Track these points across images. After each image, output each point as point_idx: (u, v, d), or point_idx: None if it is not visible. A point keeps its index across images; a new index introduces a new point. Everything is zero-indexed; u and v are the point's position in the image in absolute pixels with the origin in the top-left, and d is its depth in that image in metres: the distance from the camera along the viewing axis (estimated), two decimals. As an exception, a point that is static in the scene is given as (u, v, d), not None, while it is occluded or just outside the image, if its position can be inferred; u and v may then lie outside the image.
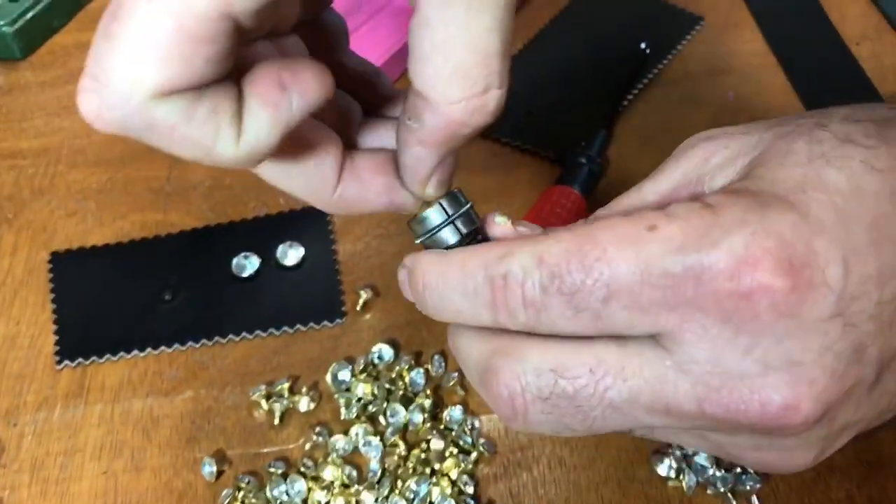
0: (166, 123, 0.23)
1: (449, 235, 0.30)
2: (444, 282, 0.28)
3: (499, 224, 0.30)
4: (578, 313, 0.26)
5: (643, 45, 0.59)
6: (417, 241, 0.31)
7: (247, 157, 0.25)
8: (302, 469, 0.41)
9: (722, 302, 0.25)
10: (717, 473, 0.40)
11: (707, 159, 0.29)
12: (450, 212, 0.30)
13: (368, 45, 0.57)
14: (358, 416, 0.43)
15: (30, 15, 0.61)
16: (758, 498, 0.40)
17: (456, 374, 0.44)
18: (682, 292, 0.25)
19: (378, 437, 0.42)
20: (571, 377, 0.27)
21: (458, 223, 0.30)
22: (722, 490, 0.40)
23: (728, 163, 0.29)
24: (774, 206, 0.25)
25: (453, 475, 0.41)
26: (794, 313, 0.25)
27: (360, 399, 0.43)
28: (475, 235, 0.30)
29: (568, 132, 0.54)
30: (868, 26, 0.61)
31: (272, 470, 0.41)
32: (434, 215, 0.30)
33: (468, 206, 0.30)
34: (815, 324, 0.25)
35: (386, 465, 0.41)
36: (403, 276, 0.30)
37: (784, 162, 0.27)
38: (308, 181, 0.29)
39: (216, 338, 0.46)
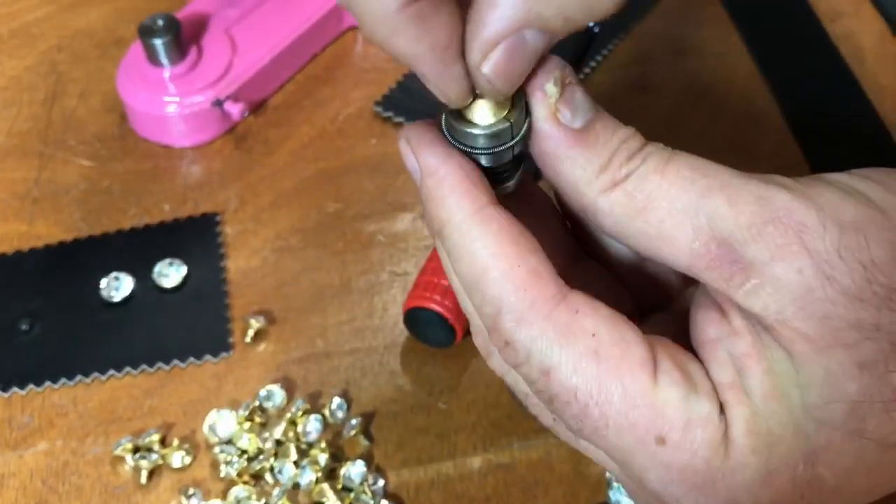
0: None
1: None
2: (458, 258, 0.24)
3: (548, 95, 0.24)
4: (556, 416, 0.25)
5: (591, 23, 0.51)
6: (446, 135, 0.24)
7: None
8: (169, 542, 0.34)
9: None
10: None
11: (775, 259, 0.23)
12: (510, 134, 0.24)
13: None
14: (240, 474, 0.36)
15: None
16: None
17: (358, 420, 0.37)
18: (646, 499, 0.25)
19: (262, 501, 0.35)
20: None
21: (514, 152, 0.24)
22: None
23: (784, 293, 0.23)
24: (775, 483, 0.23)
25: (351, 546, 0.34)
26: None
27: (243, 453, 0.37)
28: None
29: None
30: (844, 1, 0.54)
31: (133, 544, 0.34)
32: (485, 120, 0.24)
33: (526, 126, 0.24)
34: None
35: (270, 536, 0.35)
36: (405, 148, 0.25)
37: (817, 411, 0.23)
38: None
39: (79, 376, 0.39)
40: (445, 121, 0.24)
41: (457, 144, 0.24)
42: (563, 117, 0.24)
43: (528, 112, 0.24)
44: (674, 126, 0.49)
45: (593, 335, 0.23)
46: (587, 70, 0.51)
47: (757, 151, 0.48)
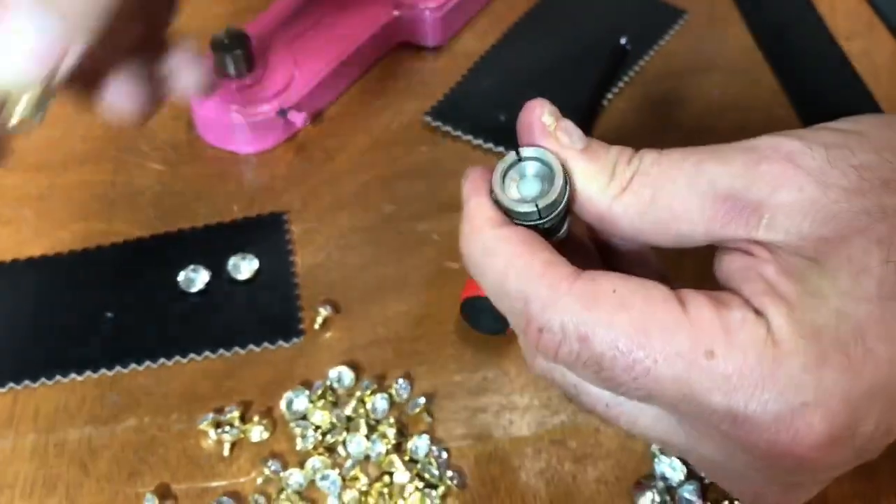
0: None
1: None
2: (482, 271, 0.27)
3: (545, 124, 0.28)
4: (609, 387, 0.26)
5: (623, 41, 0.55)
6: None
7: None
8: (253, 506, 0.38)
9: (753, 447, 0.25)
10: (703, 509, 0.37)
11: (776, 188, 0.26)
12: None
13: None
14: (315, 447, 0.39)
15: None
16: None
17: (422, 399, 0.41)
18: (717, 425, 0.25)
19: (336, 471, 0.39)
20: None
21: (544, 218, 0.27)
22: (708, 526, 0.37)
23: (794, 212, 0.25)
24: (832, 362, 0.24)
25: (418, 512, 0.38)
26: (818, 468, 0.25)
27: (317, 428, 0.40)
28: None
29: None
30: (859, 22, 0.58)
31: (220, 508, 0.38)
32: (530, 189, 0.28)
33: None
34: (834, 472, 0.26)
35: (345, 501, 0.38)
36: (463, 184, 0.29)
37: (851, 290, 0.24)
38: None
39: (161, 360, 0.43)
40: (493, 190, 0.28)
41: (508, 214, 0.28)
42: (564, 141, 0.28)
43: (565, 185, 0.27)
44: (702, 138, 0.51)
45: (614, 291, 0.25)
46: (620, 84, 0.54)
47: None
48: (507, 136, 0.51)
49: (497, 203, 0.28)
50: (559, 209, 0.27)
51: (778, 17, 0.59)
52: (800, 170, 0.25)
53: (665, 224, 0.27)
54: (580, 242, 0.31)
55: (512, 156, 0.28)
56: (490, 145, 0.51)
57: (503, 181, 0.28)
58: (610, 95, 0.54)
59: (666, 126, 0.53)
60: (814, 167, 0.25)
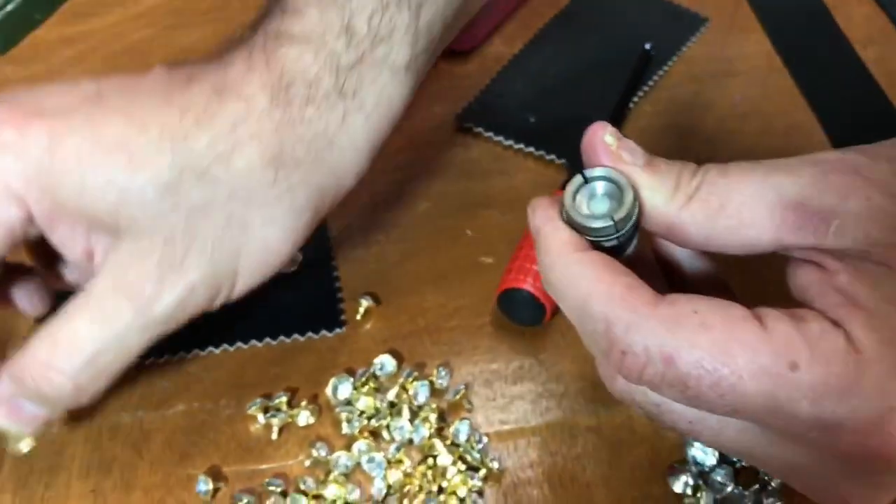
0: None
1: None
2: (564, 295, 0.28)
3: (608, 144, 0.29)
4: (694, 405, 0.27)
5: (648, 46, 0.57)
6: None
7: None
8: (302, 487, 0.39)
9: (844, 453, 0.26)
10: (736, 491, 0.39)
11: (845, 197, 0.27)
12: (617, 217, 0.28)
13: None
14: (360, 431, 0.41)
15: (10, 8, 0.58)
16: (779, 517, 0.38)
17: (462, 386, 0.42)
18: (806, 433, 0.26)
19: (381, 453, 0.40)
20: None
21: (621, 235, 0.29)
22: (741, 508, 0.38)
23: (863, 220, 0.27)
24: None
25: (461, 493, 0.39)
26: None
27: (361, 413, 0.41)
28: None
29: (572, 134, 0.52)
30: (874, 30, 0.60)
31: (271, 488, 0.39)
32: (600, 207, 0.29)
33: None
34: None
35: (391, 482, 0.39)
36: (530, 213, 0.31)
37: None
38: None
39: (209, 348, 0.44)
40: (566, 212, 0.29)
41: (582, 232, 0.29)
42: (628, 159, 0.29)
43: (635, 198, 0.29)
44: (725, 140, 0.54)
45: (695, 312, 0.26)
46: (646, 88, 0.56)
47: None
48: (537, 137, 0.53)
49: (571, 224, 0.29)
50: (633, 221, 0.29)
51: (795, 25, 0.60)
52: (867, 180, 0.27)
53: (734, 230, 0.28)
54: (647, 264, 0.33)
55: (578, 179, 0.29)
56: (521, 146, 0.53)
57: (573, 203, 0.29)
58: (636, 98, 0.55)
59: (690, 129, 0.55)
60: (880, 179, 0.27)
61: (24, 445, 0.38)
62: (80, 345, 0.34)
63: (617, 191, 0.29)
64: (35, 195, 0.34)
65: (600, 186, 0.29)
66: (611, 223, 0.28)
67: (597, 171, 0.29)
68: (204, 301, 0.36)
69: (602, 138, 0.29)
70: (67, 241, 0.36)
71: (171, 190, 0.34)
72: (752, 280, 0.34)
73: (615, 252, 0.29)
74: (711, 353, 0.25)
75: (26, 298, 0.40)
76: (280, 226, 0.36)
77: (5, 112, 0.34)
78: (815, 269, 0.28)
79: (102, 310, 0.34)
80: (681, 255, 0.33)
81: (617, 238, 0.29)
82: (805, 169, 0.27)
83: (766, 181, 0.27)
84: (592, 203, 0.29)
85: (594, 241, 0.29)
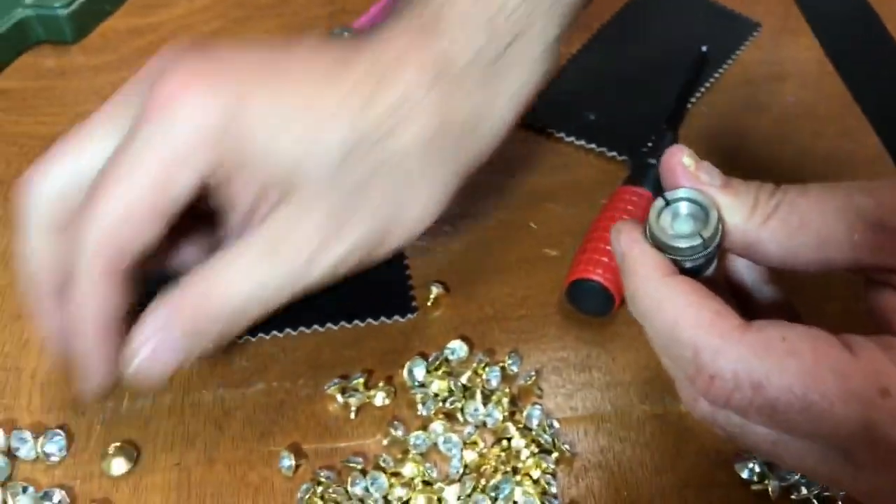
0: None
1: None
2: (651, 318, 0.29)
3: (686, 166, 0.30)
4: (781, 429, 0.27)
5: (703, 49, 0.59)
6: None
7: None
8: (381, 464, 0.40)
9: None
10: (803, 479, 0.40)
11: None
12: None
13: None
14: (435, 413, 0.42)
15: (81, -1, 0.60)
16: (844, 504, 0.40)
17: (533, 373, 0.44)
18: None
19: (457, 435, 0.41)
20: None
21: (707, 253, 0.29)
22: (807, 495, 0.40)
23: None
24: None
25: (534, 475, 0.40)
26: None
27: (436, 395, 0.43)
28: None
29: (632, 133, 0.54)
30: (924, 36, 0.61)
31: (351, 465, 0.40)
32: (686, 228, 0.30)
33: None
34: None
35: (467, 462, 0.41)
36: (614, 236, 0.31)
37: None
38: None
39: (287, 329, 0.46)
40: (651, 234, 0.30)
41: (667, 252, 0.30)
42: (706, 180, 0.30)
43: (719, 216, 0.29)
44: (781, 142, 0.55)
45: (783, 339, 0.26)
46: (702, 90, 0.57)
47: (854, 163, 0.54)
48: (597, 134, 0.54)
49: (656, 245, 0.30)
50: (718, 239, 0.30)
51: (844, 30, 0.62)
52: None
53: (814, 249, 0.28)
54: (721, 289, 0.33)
55: (660, 202, 0.30)
56: (582, 142, 0.54)
57: (658, 224, 0.30)
58: (692, 99, 0.57)
59: (746, 130, 0.56)
60: None
61: (117, 468, 0.40)
62: (235, 288, 0.35)
63: (699, 211, 0.30)
64: (222, 152, 0.34)
65: (683, 207, 0.30)
66: (699, 241, 0.29)
67: (679, 193, 0.30)
68: (353, 266, 0.37)
69: (680, 160, 0.30)
70: (237, 198, 0.37)
71: (350, 155, 0.35)
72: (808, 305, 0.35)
73: (693, 273, 0.30)
74: (801, 379, 0.26)
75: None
76: (430, 195, 0.38)
77: (189, 72, 0.34)
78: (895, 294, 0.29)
79: (260, 263, 0.35)
80: (751, 281, 0.34)
81: (704, 256, 0.30)
82: (885, 192, 0.28)
83: (846, 201, 0.28)
84: (676, 223, 0.30)
85: (677, 261, 0.30)
